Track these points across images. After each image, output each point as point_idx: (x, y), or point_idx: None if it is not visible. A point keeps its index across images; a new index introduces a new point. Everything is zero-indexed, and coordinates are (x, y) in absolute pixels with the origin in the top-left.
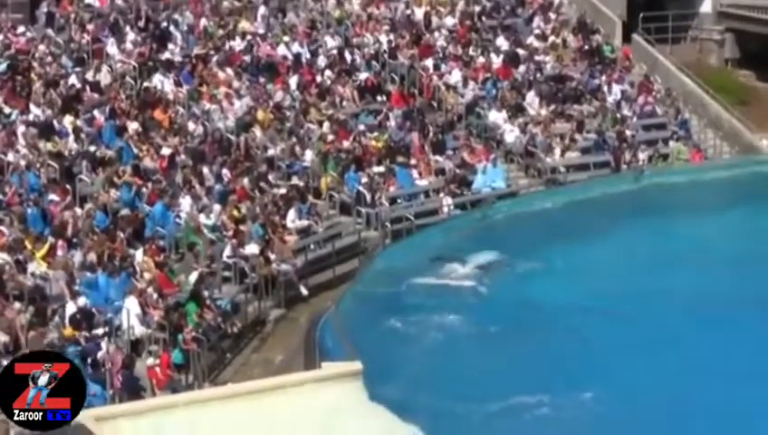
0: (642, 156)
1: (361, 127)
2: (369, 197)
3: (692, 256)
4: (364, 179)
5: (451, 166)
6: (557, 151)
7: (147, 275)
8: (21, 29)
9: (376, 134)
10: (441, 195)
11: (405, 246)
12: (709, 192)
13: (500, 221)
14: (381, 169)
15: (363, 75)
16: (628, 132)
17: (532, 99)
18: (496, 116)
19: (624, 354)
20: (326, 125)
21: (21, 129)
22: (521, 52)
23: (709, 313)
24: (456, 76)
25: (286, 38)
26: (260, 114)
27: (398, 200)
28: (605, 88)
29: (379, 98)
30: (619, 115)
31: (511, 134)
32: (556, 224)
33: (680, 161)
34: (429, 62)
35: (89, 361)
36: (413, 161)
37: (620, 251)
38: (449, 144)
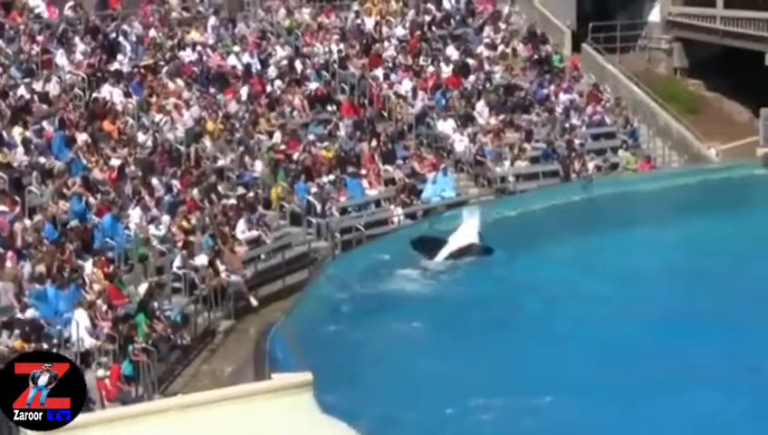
0: (591, 165)
1: (311, 137)
2: (319, 207)
3: (637, 266)
4: (314, 190)
5: (401, 175)
6: (506, 161)
7: (96, 287)
8: None
9: (326, 144)
10: (391, 205)
11: (355, 255)
12: (657, 201)
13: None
14: (331, 178)
15: (313, 85)
16: (576, 141)
17: (481, 108)
18: (446, 126)
19: (583, 360)
20: (276, 135)
21: None
22: (470, 61)
23: (661, 322)
24: (406, 86)
25: (236, 48)
26: (210, 125)
27: (349, 210)
28: (554, 97)
29: (329, 108)
30: (567, 124)
31: (460, 144)
32: (507, 232)
33: (629, 171)
34: (379, 72)
35: None
36: (363, 171)
37: (569, 260)
38: (399, 154)
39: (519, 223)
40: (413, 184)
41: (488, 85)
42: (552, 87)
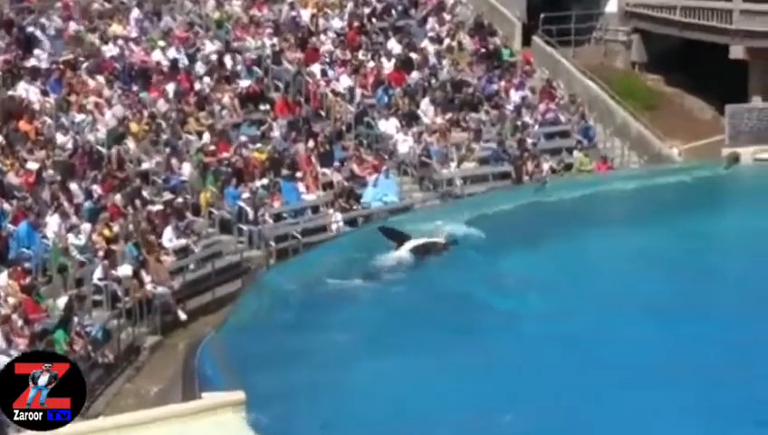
0: (545, 166)
1: (243, 138)
2: (251, 213)
3: (590, 274)
4: (246, 194)
5: (340, 179)
6: (453, 162)
7: (11, 301)
8: None
9: (259, 145)
10: (330, 210)
11: (291, 265)
12: (614, 205)
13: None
14: (265, 182)
15: (245, 82)
16: (529, 141)
17: (426, 106)
18: (388, 125)
19: (537, 370)
20: (205, 136)
21: None
22: (414, 56)
23: (625, 330)
24: (344, 82)
25: (162, 43)
26: (133, 125)
27: (284, 216)
28: (504, 94)
29: (262, 107)
30: (519, 123)
31: (404, 144)
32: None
33: (584, 172)
34: (316, 68)
35: None
36: (299, 174)
37: (524, 266)
38: (338, 155)
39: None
40: (352, 188)
41: (433, 81)
42: (502, 83)
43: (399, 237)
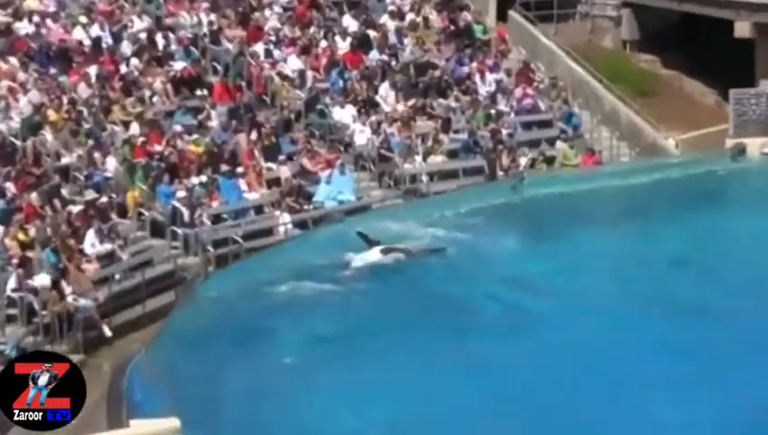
0: (523, 160)
1: (177, 128)
2: (186, 214)
3: (573, 280)
4: (180, 193)
5: (288, 175)
6: (418, 156)
7: None
8: None
9: (195, 137)
10: (276, 211)
11: (232, 273)
12: (602, 204)
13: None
14: (202, 179)
15: (179, 65)
16: (504, 132)
17: (386, 92)
18: (343, 113)
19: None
20: (133, 126)
21: None
22: (372, 34)
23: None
24: (293, 64)
25: (83, 19)
26: (51, 113)
27: (224, 218)
28: (476, 77)
29: (198, 92)
30: (493, 111)
31: (361, 135)
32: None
33: (568, 167)
34: (260, 48)
35: None
36: (240, 170)
37: (498, 273)
38: (285, 148)
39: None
40: (302, 185)
41: (394, 63)
42: (474, 64)
43: (375, 244)
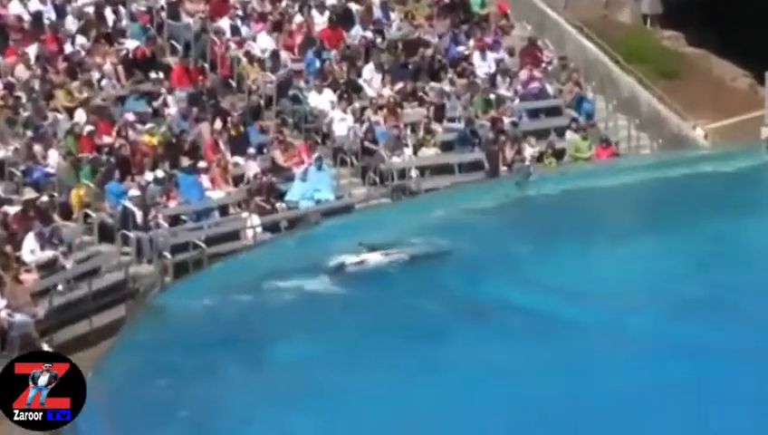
0: (528, 153)
1: (129, 116)
2: (140, 216)
3: (588, 294)
4: (133, 191)
5: (257, 170)
6: (407, 148)
7: None
8: None
9: (150, 126)
10: (244, 212)
11: (194, 284)
12: (620, 204)
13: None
14: (158, 175)
15: (132, 43)
16: (506, 120)
17: (370, 74)
18: (320, 99)
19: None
20: (79, 114)
21: None
22: (354, 7)
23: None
24: (263, 43)
25: None
26: None
27: (183, 220)
28: (474, 57)
29: (154, 75)
30: (493, 96)
31: (341, 124)
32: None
33: (580, 160)
34: (225, 24)
35: None
36: (203, 164)
37: (502, 288)
38: (254, 140)
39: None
40: (273, 183)
41: (380, 41)
42: (471, 43)
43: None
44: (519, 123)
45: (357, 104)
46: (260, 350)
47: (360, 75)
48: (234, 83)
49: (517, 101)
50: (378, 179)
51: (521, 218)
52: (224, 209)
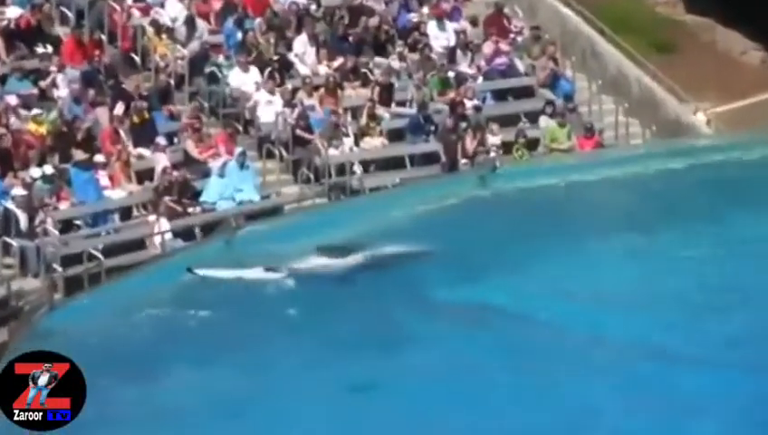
0: (493, 142)
1: (11, 100)
2: (24, 220)
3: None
4: (16, 190)
5: (166, 165)
6: (348, 138)
7: None
8: None
9: (36, 112)
10: (150, 215)
11: (89, 301)
12: (604, 204)
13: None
14: (46, 170)
15: (13, 11)
16: (468, 103)
17: (303, 47)
18: (243, 78)
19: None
20: None
21: None
22: None
23: None
24: (172, 10)
25: None
26: None
27: (77, 225)
28: (429, 28)
29: (40, 49)
30: (452, 74)
31: (268, 109)
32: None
33: (557, 151)
34: None
35: None
36: (100, 158)
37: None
38: (162, 127)
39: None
40: (187, 180)
41: (314, 8)
42: (425, 10)
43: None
44: (483, 107)
45: (287, 85)
46: (165, 379)
47: (290, 49)
48: (137, 59)
49: (480, 79)
50: (312, 176)
51: (484, 221)
52: (126, 212)
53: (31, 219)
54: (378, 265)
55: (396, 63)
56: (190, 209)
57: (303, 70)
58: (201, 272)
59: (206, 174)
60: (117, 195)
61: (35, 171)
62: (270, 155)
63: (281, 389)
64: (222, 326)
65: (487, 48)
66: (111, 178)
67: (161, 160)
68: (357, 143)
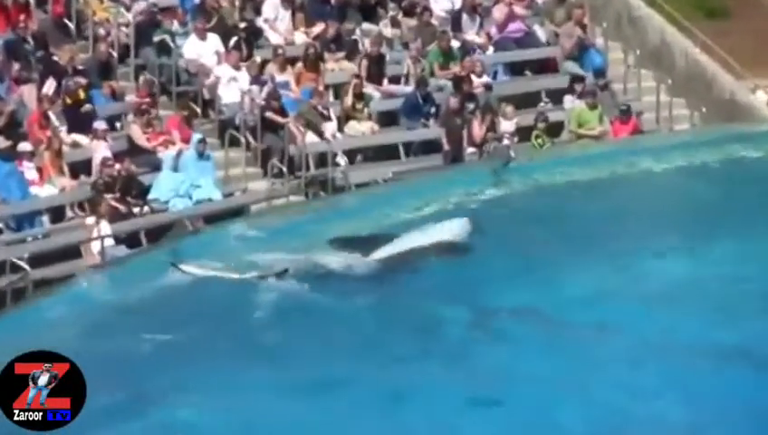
0: (506, 127)
1: None
2: None
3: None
4: None
5: (107, 155)
6: (330, 123)
7: None
8: None
9: None
10: (88, 217)
11: (14, 319)
12: (642, 205)
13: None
14: None
15: None
16: (476, 80)
17: (274, 11)
18: (201, 49)
19: None
20: None
21: None
22: None
23: None
24: None
25: None
26: None
27: None
28: None
29: None
30: (456, 43)
31: (232, 87)
32: None
33: (587, 139)
34: None
35: None
36: (26, 146)
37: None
38: (102, 109)
39: None
40: (133, 173)
41: None
42: None
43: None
44: (494, 84)
45: (255, 57)
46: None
47: (259, 13)
48: (71, 26)
49: (491, 50)
50: (285, 169)
51: (497, 223)
52: (57, 213)
53: None
54: (405, 261)
55: (388, 31)
56: (136, 210)
57: (275, 39)
58: (187, 268)
59: (157, 167)
60: (46, 192)
61: None
62: (234, 143)
63: None
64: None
65: (499, 12)
66: (40, 170)
67: (101, 150)
68: (340, 129)
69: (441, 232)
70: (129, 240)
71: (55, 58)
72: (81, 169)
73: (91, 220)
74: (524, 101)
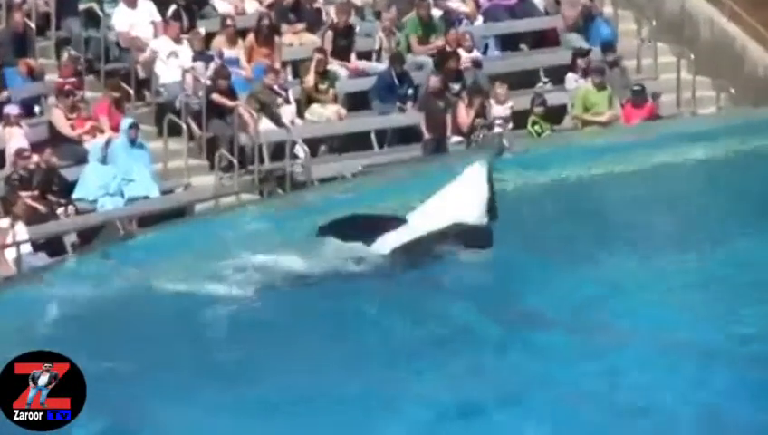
0: (498, 111)
1: None
2: None
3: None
4: None
5: (22, 145)
6: (289, 106)
7: None
8: None
9: None
10: (2, 219)
11: None
12: (662, 198)
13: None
14: None
15: None
16: (463, 55)
17: None
18: (134, 19)
19: None
20: None
21: None
22: None
23: None
24: None
25: None
26: None
27: None
28: None
29: None
30: (438, 12)
31: (171, 64)
32: None
33: (593, 124)
34: None
35: None
36: None
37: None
38: (18, 91)
39: None
40: (53, 166)
41: None
42: None
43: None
44: (484, 60)
45: (199, 29)
46: None
47: None
48: None
49: (480, 20)
50: (235, 161)
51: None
52: None
53: None
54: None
55: (363, 2)
56: (59, 210)
57: (223, 7)
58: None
59: (82, 158)
60: None
61: None
62: (174, 131)
63: None
64: None
65: None
66: None
67: (15, 139)
68: (300, 114)
69: (458, 212)
70: (51, 246)
71: None
72: None
73: (4, 223)
74: (519, 81)
